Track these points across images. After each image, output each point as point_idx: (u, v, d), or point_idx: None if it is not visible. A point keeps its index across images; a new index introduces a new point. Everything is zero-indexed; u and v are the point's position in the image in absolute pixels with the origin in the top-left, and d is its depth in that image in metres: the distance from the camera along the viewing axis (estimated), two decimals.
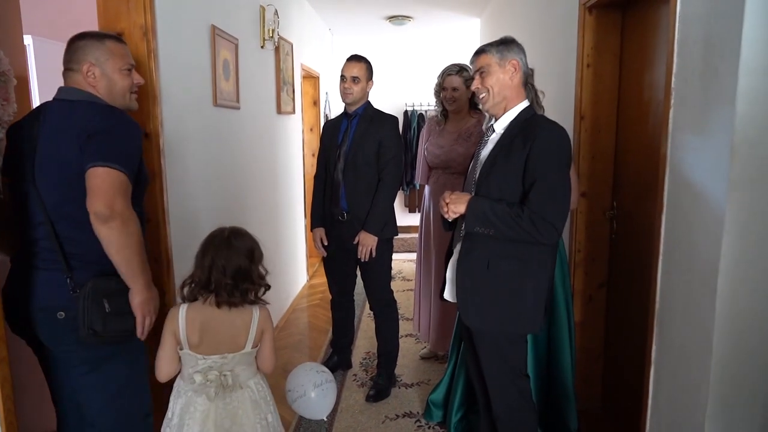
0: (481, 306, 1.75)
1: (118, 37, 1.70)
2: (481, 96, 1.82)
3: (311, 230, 2.90)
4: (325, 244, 2.83)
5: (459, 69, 2.98)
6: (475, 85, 1.82)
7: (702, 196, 1.56)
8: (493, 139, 1.82)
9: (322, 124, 5.92)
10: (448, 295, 1.91)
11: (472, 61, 1.84)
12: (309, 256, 5.20)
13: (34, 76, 3.65)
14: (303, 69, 4.93)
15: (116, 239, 1.43)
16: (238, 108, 3.06)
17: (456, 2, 5.35)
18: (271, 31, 3.58)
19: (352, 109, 2.77)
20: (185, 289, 1.62)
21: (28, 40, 3.68)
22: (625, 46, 2.40)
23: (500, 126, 1.80)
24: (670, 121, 1.74)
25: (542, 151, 1.64)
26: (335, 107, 6.84)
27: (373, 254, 2.68)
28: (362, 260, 2.69)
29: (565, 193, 1.65)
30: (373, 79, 2.83)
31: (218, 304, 1.59)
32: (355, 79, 2.72)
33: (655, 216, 1.84)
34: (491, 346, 1.81)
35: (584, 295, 2.60)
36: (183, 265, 2.29)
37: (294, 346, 3.67)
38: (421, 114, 7.05)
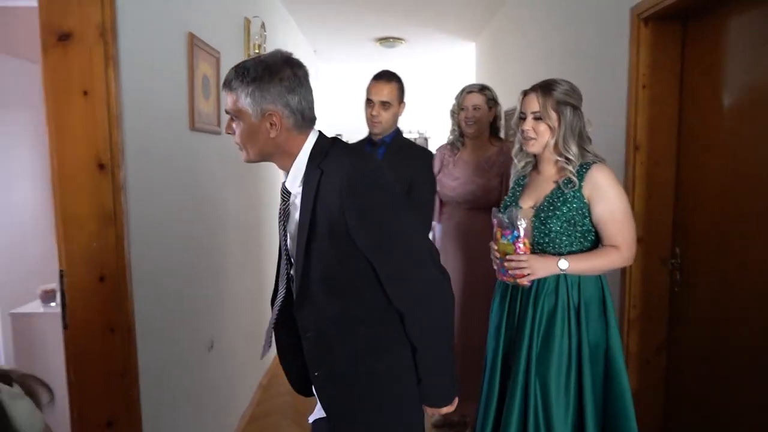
0: None
1: None
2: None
3: None
4: None
5: (481, 87, 2.58)
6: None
7: None
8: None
9: None
10: None
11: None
12: None
13: None
14: None
15: None
16: (219, 132, 2.58)
17: (450, 25, 5.03)
18: (257, 46, 3.14)
19: (379, 137, 2.30)
20: None
21: None
22: (687, 64, 2.03)
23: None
24: None
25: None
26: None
27: None
28: None
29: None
30: (405, 100, 2.34)
31: None
32: (385, 105, 2.22)
33: None
34: None
35: (639, 359, 2.16)
36: (150, 339, 1.78)
37: (280, 411, 3.12)
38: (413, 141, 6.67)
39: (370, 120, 2.26)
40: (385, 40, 5.51)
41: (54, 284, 1.70)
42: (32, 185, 3.07)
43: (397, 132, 2.34)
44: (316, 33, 5.32)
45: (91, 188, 1.58)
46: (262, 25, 3.20)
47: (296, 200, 1.30)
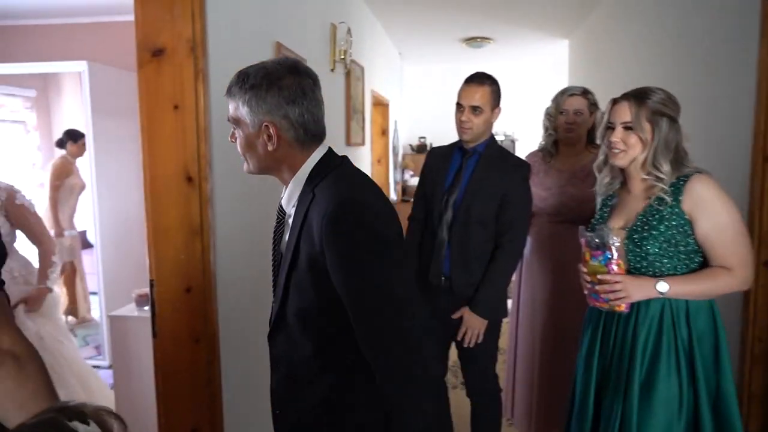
0: None
1: None
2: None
3: None
4: None
5: (584, 90, 2.38)
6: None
7: None
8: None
9: (390, 155, 5.43)
10: None
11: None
12: None
13: (87, 101, 3.42)
14: (373, 96, 4.47)
15: (11, 391, 0.91)
16: None
17: (542, 22, 4.77)
18: (342, 52, 3.12)
19: (470, 145, 2.13)
20: None
21: (83, 66, 3.45)
22: None
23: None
24: None
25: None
26: (403, 137, 6.37)
27: (480, 339, 2.07)
28: (465, 345, 2.08)
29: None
30: (500, 105, 2.15)
31: None
32: (476, 110, 2.04)
33: None
34: None
35: (765, 404, 1.88)
36: (233, 349, 1.78)
37: None
38: None
39: (460, 126, 2.11)
40: (472, 41, 5.35)
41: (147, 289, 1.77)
42: (138, 190, 3.26)
43: (491, 140, 2.17)
44: (401, 35, 5.27)
45: (180, 201, 1.60)
46: (348, 30, 3.18)
47: (290, 221, 1.17)
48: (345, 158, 1.21)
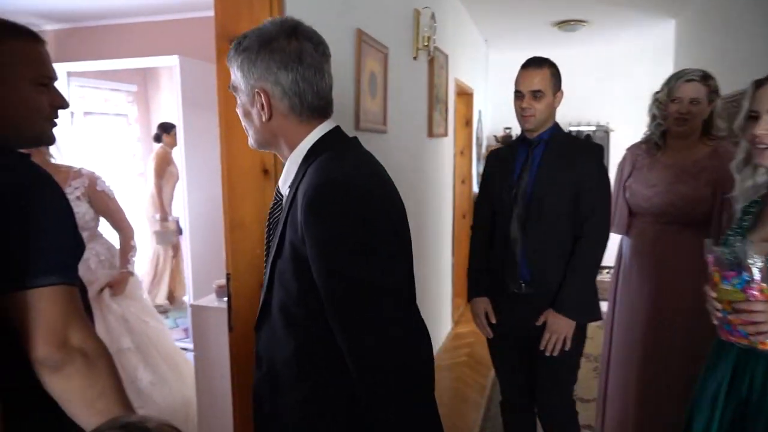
0: None
1: (32, 32, 1.04)
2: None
3: (469, 300, 2.13)
4: (492, 322, 2.05)
5: (704, 75, 2.05)
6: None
7: None
8: None
9: (474, 146, 5.24)
10: None
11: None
12: (454, 296, 4.52)
13: (178, 94, 3.56)
14: (457, 84, 4.31)
15: (80, 389, 0.89)
16: (385, 131, 2.50)
17: (645, 0, 4.36)
18: (426, 39, 3.00)
19: (534, 134, 1.97)
20: None
21: (174, 60, 3.58)
22: None
23: None
24: None
25: None
26: (487, 127, 6.13)
27: (567, 346, 1.87)
28: (547, 353, 1.88)
29: None
30: (562, 88, 2.00)
31: None
32: (536, 94, 1.89)
33: None
34: None
35: None
36: None
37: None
38: (588, 135, 6.03)
39: (521, 114, 1.94)
40: (564, 24, 5.01)
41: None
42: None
43: (556, 127, 1.99)
44: (488, 20, 5.04)
45: (256, 194, 1.56)
46: (432, 16, 3.05)
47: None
48: (353, 139, 1.09)
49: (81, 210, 2.29)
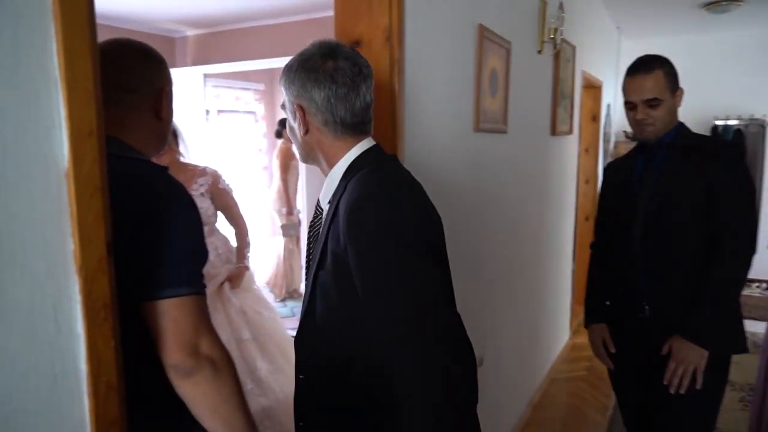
0: None
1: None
2: None
3: (586, 326, 1.92)
4: (612, 351, 1.83)
5: None
6: None
7: None
8: None
9: (600, 143, 4.86)
10: None
11: None
12: (574, 302, 4.24)
13: None
14: (584, 77, 4.00)
15: (207, 395, 0.93)
16: (505, 132, 2.36)
17: None
18: (552, 31, 2.79)
19: (654, 139, 1.73)
20: None
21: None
22: None
23: None
24: None
25: None
26: (616, 122, 5.66)
27: (698, 383, 1.57)
28: (672, 389, 1.59)
29: None
30: (680, 84, 1.72)
31: None
32: (652, 103, 1.65)
33: None
34: None
35: None
36: None
37: None
38: (738, 130, 5.32)
39: (636, 125, 1.71)
40: (714, 5, 4.43)
41: None
42: None
43: (680, 128, 1.73)
44: (622, 6, 4.61)
45: None
46: (560, 6, 2.83)
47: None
48: (392, 156, 1.14)
49: (204, 206, 2.43)
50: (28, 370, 0.68)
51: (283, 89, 1.08)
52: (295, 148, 1.16)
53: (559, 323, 3.82)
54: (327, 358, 1.06)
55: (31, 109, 0.67)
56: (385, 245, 0.92)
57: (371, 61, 1.47)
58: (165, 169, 1.00)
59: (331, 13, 1.55)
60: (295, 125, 1.08)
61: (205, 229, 2.46)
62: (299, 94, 1.04)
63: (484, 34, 2.01)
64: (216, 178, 2.51)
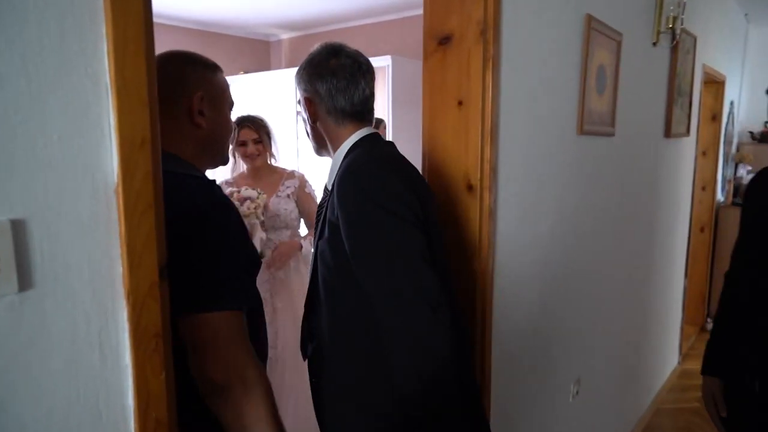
0: None
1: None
2: None
3: (702, 373, 1.56)
4: (722, 415, 1.50)
5: None
6: None
7: None
8: None
9: (721, 145, 4.33)
10: None
11: None
12: (685, 323, 3.80)
13: (389, 92, 3.62)
14: (705, 72, 3.56)
15: (237, 416, 0.89)
16: (612, 134, 2.11)
17: None
18: (670, 20, 2.47)
19: None
20: None
21: (387, 60, 3.63)
22: None
23: None
24: None
25: None
26: (741, 122, 5.03)
27: None
28: None
29: None
30: None
31: None
32: None
33: None
34: None
35: None
36: (504, 382, 1.53)
37: None
38: None
39: None
40: None
41: None
42: None
43: None
44: None
45: (458, 212, 1.39)
46: None
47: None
48: (388, 142, 1.24)
49: (289, 207, 2.41)
50: (69, 405, 0.62)
51: (295, 87, 1.21)
52: (310, 141, 1.25)
53: (667, 345, 3.43)
54: (327, 317, 1.14)
55: (78, 117, 0.60)
56: (368, 207, 1.01)
57: (462, 58, 1.34)
58: (212, 182, 0.99)
59: (421, 11, 1.43)
60: (305, 116, 1.19)
61: (288, 233, 2.43)
62: (307, 89, 1.16)
63: (591, 26, 1.79)
64: (303, 182, 2.49)
